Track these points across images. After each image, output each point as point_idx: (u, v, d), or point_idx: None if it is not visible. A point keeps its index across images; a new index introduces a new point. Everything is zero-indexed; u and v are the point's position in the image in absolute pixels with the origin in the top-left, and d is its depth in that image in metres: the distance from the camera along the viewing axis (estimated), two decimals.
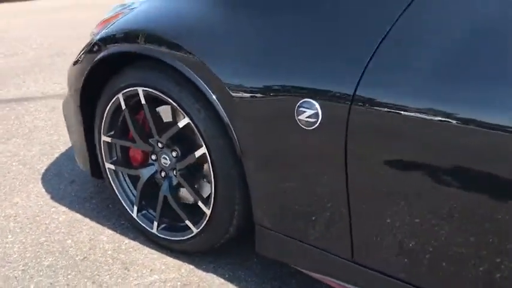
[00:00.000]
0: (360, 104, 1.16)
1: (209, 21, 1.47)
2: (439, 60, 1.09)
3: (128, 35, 1.64)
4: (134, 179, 1.85)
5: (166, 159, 1.71)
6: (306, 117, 1.25)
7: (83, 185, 2.29)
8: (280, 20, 1.34)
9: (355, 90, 1.16)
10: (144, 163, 1.81)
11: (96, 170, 1.96)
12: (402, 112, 1.09)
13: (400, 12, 1.16)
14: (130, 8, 1.83)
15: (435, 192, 1.10)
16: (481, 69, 1.04)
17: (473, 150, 1.03)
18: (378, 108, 1.13)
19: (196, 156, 1.56)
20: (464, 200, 1.06)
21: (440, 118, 1.05)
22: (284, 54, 1.30)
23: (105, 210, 2.09)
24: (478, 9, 1.09)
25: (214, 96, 1.42)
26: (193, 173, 1.68)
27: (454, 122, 1.03)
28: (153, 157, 1.76)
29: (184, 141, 1.65)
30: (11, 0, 8.42)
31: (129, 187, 1.87)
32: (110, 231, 1.95)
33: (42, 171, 2.45)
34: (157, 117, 1.69)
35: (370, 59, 1.16)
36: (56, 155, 2.61)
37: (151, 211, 1.82)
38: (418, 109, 1.08)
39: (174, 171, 1.70)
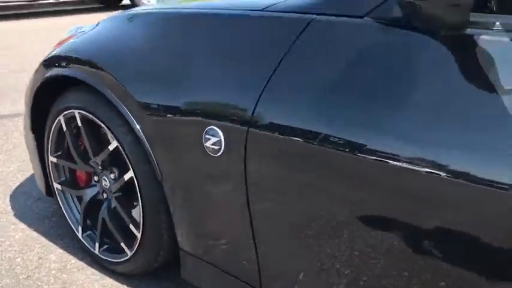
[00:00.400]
0: (255, 130, 1.16)
1: (132, 48, 1.49)
2: (327, 85, 1.09)
3: (68, 59, 1.68)
4: (81, 200, 1.86)
5: (106, 180, 1.73)
6: (211, 145, 1.25)
7: (47, 202, 2.32)
8: (190, 47, 1.35)
9: (251, 117, 1.16)
10: (89, 184, 1.83)
11: (50, 188, 1.99)
12: (294, 137, 1.09)
13: (293, 39, 1.15)
14: (82, 31, 1.86)
15: (338, 218, 1.08)
16: (363, 95, 1.03)
17: (359, 172, 1.02)
18: (272, 134, 1.13)
19: (125, 179, 1.57)
20: (366, 227, 1.04)
21: (330, 142, 1.04)
22: (191, 82, 1.31)
23: (62, 228, 2.11)
24: (357, 40, 1.08)
25: (134, 121, 1.43)
26: (129, 196, 1.68)
27: (343, 146, 1.02)
28: (96, 178, 1.78)
29: (120, 163, 1.66)
30: (31, 17, 8.68)
31: (76, 207, 1.89)
32: (61, 250, 1.96)
33: (14, 187, 2.49)
34: (94, 139, 1.70)
35: (264, 87, 1.16)
36: (31, 172, 2.65)
37: (96, 232, 1.83)
38: (309, 133, 1.07)
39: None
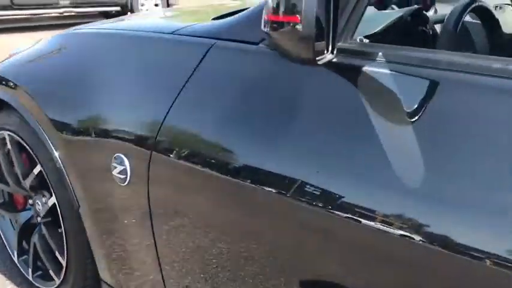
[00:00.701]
0: (157, 156, 1.12)
1: (53, 71, 1.44)
2: (227, 109, 1.05)
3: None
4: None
5: (39, 204, 1.67)
6: (117, 173, 1.20)
7: None
8: (102, 69, 1.30)
9: (154, 144, 1.12)
10: (25, 207, 1.77)
11: None
12: (194, 164, 1.05)
13: (197, 63, 1.11)
14: (20, 51, 1.81)
15: (239, 244, 1.03)
16: (259, 120, 0.99)
17: (257, 200, 0.97)
18: (172, 160, 1.09)
19: (49, 205, 1.51)
20: (269, 258, 1.00)
21: (229, 169, 1.00)
22: (100, 107, 1.26)
23: (6, 252, 2.05)
24: (252, 66, 1.04)
25: (52, 147, 1.38)
26: (56, 222, 1.62)
27: (241, 173, 0.98)
28: (30, 202, 1.72)
29: (47, 188, 1.60)
30: (34, 30, 8.70)
31: (14, 230, 1.83)
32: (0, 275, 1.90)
33: None
34: (24, 162, 1.65)
35: (168, 111, 1.12)
36: None
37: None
38: (209, 160, 1.04)
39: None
